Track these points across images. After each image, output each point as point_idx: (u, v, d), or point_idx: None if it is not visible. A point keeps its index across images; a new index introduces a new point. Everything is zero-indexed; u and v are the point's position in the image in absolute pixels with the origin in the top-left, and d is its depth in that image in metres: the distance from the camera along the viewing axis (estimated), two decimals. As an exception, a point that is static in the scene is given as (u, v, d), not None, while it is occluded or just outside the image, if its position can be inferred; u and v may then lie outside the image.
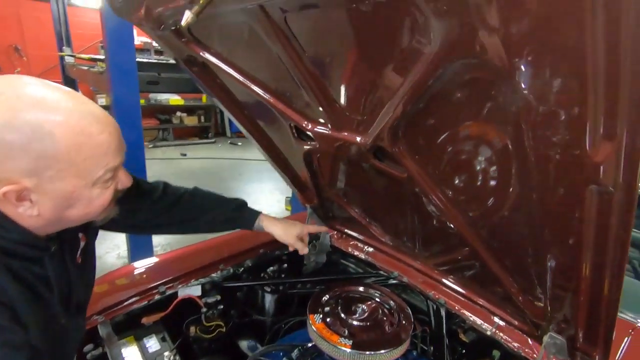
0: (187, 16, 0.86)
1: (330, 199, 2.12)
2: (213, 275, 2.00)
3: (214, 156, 9.38)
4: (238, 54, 1.39)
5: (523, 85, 0.71)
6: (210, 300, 1.89)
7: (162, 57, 6.12)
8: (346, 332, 1.52)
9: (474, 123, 0.94)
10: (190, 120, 10.98)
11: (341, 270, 2.44)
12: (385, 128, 1.06)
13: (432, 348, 1.80)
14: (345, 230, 2.42)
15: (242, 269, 2.10)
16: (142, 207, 1.33)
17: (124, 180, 0.92)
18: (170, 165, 8.45)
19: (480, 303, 1.65)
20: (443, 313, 1.78)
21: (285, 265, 2.24)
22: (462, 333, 1.82)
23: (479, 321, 1.65)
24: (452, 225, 1.29)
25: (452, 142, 1.03)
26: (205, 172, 8.07)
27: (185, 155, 9.35)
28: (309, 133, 1.42)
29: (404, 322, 1.57)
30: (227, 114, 1.82)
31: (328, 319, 1.54)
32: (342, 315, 1.59)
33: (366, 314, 1.61)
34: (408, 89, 0.90)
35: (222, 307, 1.93)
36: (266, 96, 1.41)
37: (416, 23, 0.77)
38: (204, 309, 1.86)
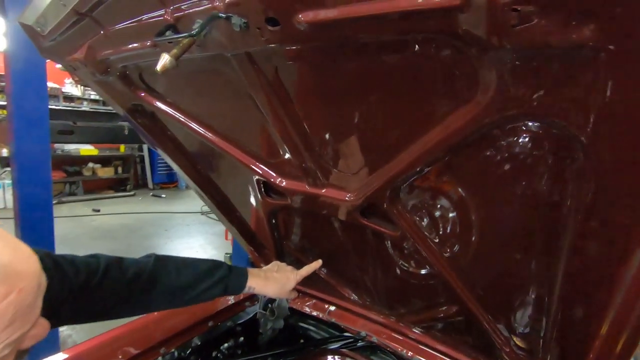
0: (165, 60, 0.72)
1: (290, 256, 1.95)
2: (154, 362, 1.63)
3: (133, 211, 8.45)
4: (198, 104, 1.24)
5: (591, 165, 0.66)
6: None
7: (73, 104, 5.53)
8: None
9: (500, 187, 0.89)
10: (105, 172, 9.93)
11: (301, 335, 2.22)
12: (385, 186, 0.98)
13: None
14: (304, 288, 2.23)
15: (190, 350, 1.76)
16: (78, 299, 1.01)
17: (39, 334, 0.63)
18: (80, 224, 7.35)
19: None
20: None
21: (242, 338, 1.95)
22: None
23: (461, 379, 1.57)
24: (440, 281, 1.23)
25: (463, 204, 0.97)
26: (124, 229, 7.17)
27: (98, 211, 8.27)
28: (280, 190, 1.28)
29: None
30: (176, 168, 1.60)
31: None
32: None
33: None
34: (431, 146, 0.82)
35: (168, 398, 1.56)
36: (230, 149, 1.26)
37: (457, 71, 0.71)
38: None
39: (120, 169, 10.23)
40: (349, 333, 1.99)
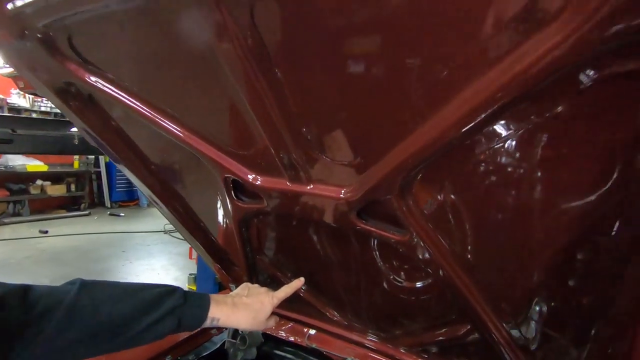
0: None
1: (265, 274, 1.68)
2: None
3: (87, 231, 7.74)
4: (147, 81, 0.98)
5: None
6: None
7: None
8: None
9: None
10: (56, 190, 9.11)
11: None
12: (397, 173, 0.75)
13: None
14: (279, 310, 1.95)
15: (140, 394, 1.43)
16: None
17: None
18: (24, 247, 6.58)
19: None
20: (420, 406, 1.43)
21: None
22: None
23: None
24: (449, 296, 1.02)
25: (490, 196, 0.78)
26: (75, 252, 6.49)
27: (46, 232, 7.49)
28: (254, 189, 1.03)
29: None
30: (123, 170, 1.31)
31: None
32: None
33: None
34: (462, 116, 0.60)
35: None
36: (190, 139, 1.00)
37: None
38: None
39: (73, 187, 9.42)
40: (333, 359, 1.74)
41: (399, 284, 1.31)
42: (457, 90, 0.60)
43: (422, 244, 0.88)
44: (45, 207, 9.05)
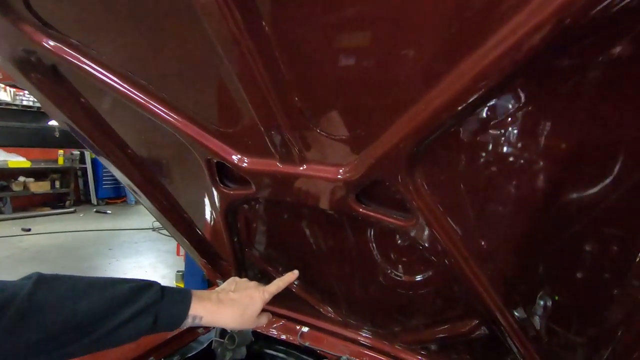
0: None
1: (255, 269, 1.57)
2: None
3: (71, 229, 7.51)
4: (119, 50, 0.86)
5: None
6: None
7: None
8: None
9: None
10: (40, 187, 8.83)
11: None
12: (399, 151, 0.65)
13: None
14: (271, 308, 1.85)
15: (119, 399, 1.32)
16: None
17: None
18: (5, 246, 6.35)
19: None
20: (421, 406, 1.35)
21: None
22: None
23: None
24: (456, 290, 0.93)
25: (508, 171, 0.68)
26: (58, 250, 6.28)
27: (28, 230, 7.25)
28: (241, 172, 0.93)
29: None
30: (102, 159, 1.19)
31: None
32: None
33: None
34: (474, 81, 0.52)
35: None
36: (170, 118, 0.89)
37: None
38: None
39: (57, 183, 9.14)
40: (327, 359, 1.65)
41: (399, 278, 1.22)
42: (465, 53, 0.51)
43: (429, 230, 0.78)
44: (28, 205, 8.78)
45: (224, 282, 1.69)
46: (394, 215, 0.83)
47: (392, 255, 1.11)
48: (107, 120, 1.11)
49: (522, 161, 0.66)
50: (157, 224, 8.22)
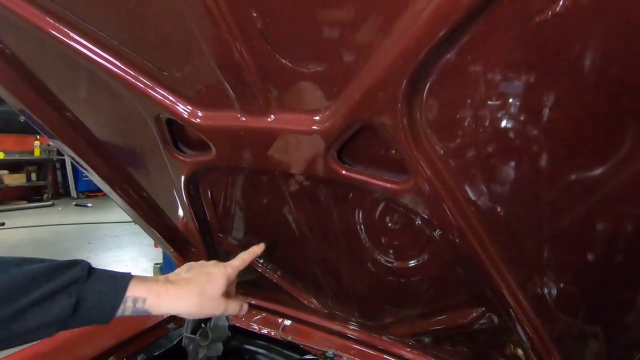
0: None
1: (227, 254, 1.40)
2: None
3: (50, 222, 7.19)
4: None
5: None
6: None
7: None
8: None
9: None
10: (15, 179, 8.46)
11: (247, 362, 1.66)
12: (390, 86, 0.47)
13: None
14: (249, 299, 1.69)
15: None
16: None
17: None
18: (-24, 241, 6.04)
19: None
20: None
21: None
22: None
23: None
24: (461, 271, 0.77)
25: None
26: (34, 244, 6.00)
27: (2, 224, 6.92)
28: (195, 129, 0.74)
29: None
30: (55, 141, 1.00)
31: None
32: None
33: None
34: None
35: None
36: (115, 66, 0.70)
37: None
38: None
39: (34, 176, 8.76)
40: (312, 354, 1.49)
41: (390, 264, 1.07)
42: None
43: (430, 191, 0.61)
44: (3, 198, 8.39)
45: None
46: (385, 177, 0.66)
47: (383, 235, 0.95)
48: (40, 76, 0.91)
49: (552, 102, 0.50)
50: (140, 217, 7.95)
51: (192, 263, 0.83)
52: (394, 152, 0.61)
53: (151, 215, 1.34)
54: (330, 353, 1.46)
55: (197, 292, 0.73)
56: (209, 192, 1.02)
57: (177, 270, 0.80)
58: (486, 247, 0.65)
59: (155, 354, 1.43)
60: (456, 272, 0.80)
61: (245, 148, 0.74)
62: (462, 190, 0.60)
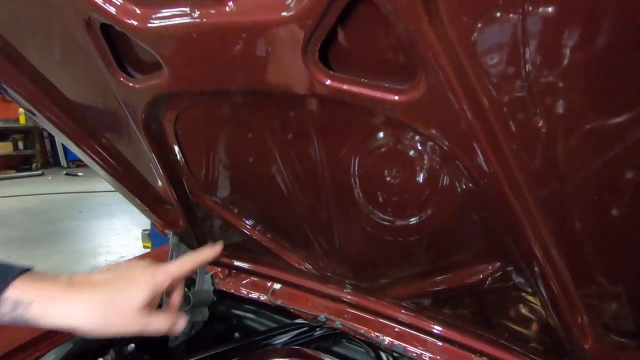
0: None
1: (206, 212, 1.26)
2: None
3: (40, 192, 7.03)
4: None
5: None
6: None
7: None
8: None
9: None
10: (2, 148, 8.23)
11: (234, 327, 1.57)
12: None
13: None
14: (235, 262, 1.57)
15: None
16: None
17: None
18: (-36, 210, 5.90)
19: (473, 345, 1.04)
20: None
21: (132, 345, 1.24)
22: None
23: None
24: (493, 215, 0.62)
25: None
26: (24, 213, 5.88)
27: (-9, 194, 6.77)
28: (136, 37, 0.57)
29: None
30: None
31: None
32: None
33: None
34: None
35: None
36: None
37: None
38: None
39: (21, 144, 8.52)
40: (303, 319, 1.39)
41: (387, 222, 0.93)
42: None
43: (446, 103, 0.44)
44: (-11, 168, 8.20)
45: (173, 233, 1.40)
46: (383, 85, 0.49)
47: (382, 182, 0.79)
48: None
49: None
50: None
51: (120, 262, 0.65)
52: (395, 49, 0.43)
53: (127, 179, 1.18)
54: (322, 317, 1.36)
55: (105, 302, 0.55)
56: (175, 134, 0.85)
57: (99, 271, 0.62)
58: (518, 185, 0.49)
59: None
60: (470, 222, 0.66)
61: (203, 60, 0.57)
62: (493, 102, 0.43)
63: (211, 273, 1.65)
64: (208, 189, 1.12)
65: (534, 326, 0.82)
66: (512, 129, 0.46)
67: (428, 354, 1.15)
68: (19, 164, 8.54)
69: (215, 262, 1.56)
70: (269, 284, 1.55)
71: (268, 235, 1.24)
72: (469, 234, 0.71)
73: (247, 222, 1.24)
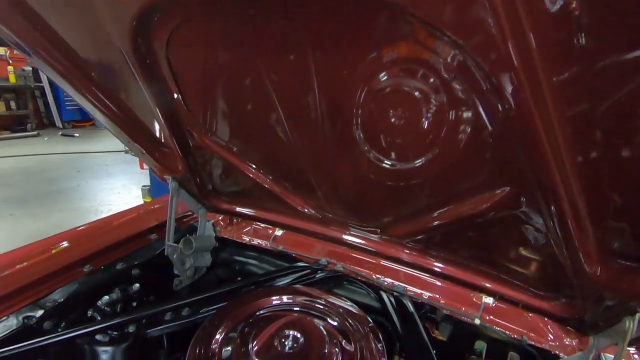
0: None
1: (206, 155, 1.24)
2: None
3: (36, 152, 6.96)
4: None
5: None
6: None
7: None
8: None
9: None
10: (-7, 108, 8.04)
11: (237, 273, 1.60)
12: None
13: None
14: (237, 209, 1.57)
15: (43, 313, 1.06)
16: None
17: None
18: (-40, 171, 5.86)
19: (472, 281, 1.06)
20: (412, 309, 1.14)
21: (137, 285, 1.26)
22: (436, 329, 1.24)
23: (462, 308, 1.07)
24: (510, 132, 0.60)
25: None
26: (21, 173, 5.85)
27: (-13, 154, 6.70)
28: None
29: (363, 341, 0.87)
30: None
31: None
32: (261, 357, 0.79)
33: (303, 346, 0.85)
34: None
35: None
36: None
37: None
38: None
39: (13, 104, 8.32)
40: (304, 262, 1.42)
41: (391, 166, 0.90)
42: None
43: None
44: (-18, 128, 8.06)
45: (172, 178, 1.38)
46: None
47: (388, 109, 0.76)
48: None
49: None
50: (130, 147, 7.71)
51: None
52: None
53: (118, 115, 1.13)
54: (323, 261, 1.38)
55: None
56: (167, 62, 0.81)
57: None
58: (547, 109, 0.46)
59: (136, 262, 1.34)
60: (482, 151, 0.64)
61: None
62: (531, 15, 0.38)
63: (212, 221, 1.66)
64: (206, 127, 1.08)
65: (537, 257, 0.83)
66: (548, 50, 0.43)
67: (427, 293, 1.18)
68: (13, 125, 8.39)
69: (216, 210, 1.55)
70: (270, 231, 1.56)
71: (270, 178, 1.22)
72: (479, 163, 0.69)
73: (248, 163, 1.21)
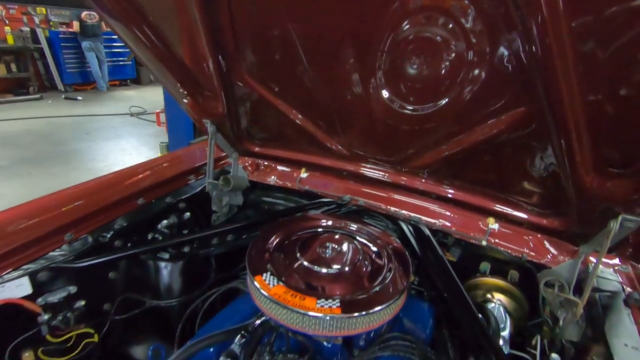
0: None
1: (247, 99, 1.36)
2: (51, 253, 1.11)
3: (42, 115, 7.00)
4: None
5: None
6: (54, 297, 1.04)
7: None
8: (324, 289, 0.92)
9: None
10: (-6, 71, 7.95)
11: (266, 213, 1.77)
12: None
13: (416, 280, 1.34)
14: (268, 151, 1.70)
15: (111, 233, 1.23)
16: None
17: None
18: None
19: (481, 204, 1.22)
20: (427, 233, 1.32)
21: (188, 214, 1.44)
22: (447, 251, 1.42)
23: (471, 233, 1.25)
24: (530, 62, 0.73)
25: None
26: (31, 135, 5.93)
27: (-6, 116, 6.74)
28: None
29: (394, 258, 1.05)
30: None
31: (288, 276, 0.91)
32: (309, 265, 0.96)
33: (343, 258, 1.03)
34: None
35: (83, 303, 1.10)
36: None
37: None
38: (45, 316, 1.01)
39: (13, 67, 8.21)
40: (329, 200, 1.58)
41: (413, 111, 1.03)
42: None
43: None
44: (-17, 91, 8.00)
45: (211, 122, 1.51)
46: None
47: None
48: None
49: None
50: (135, 109, 7.74)
51: None
52: None
53: (164, 53, 1.23)
54: (347, 197, 1.54)
55: None
56: (226, 13, 0.91)
57: None
58: (563, 42, 0.60)
59: (181, 197, 1.50)
60: (496, 70, 0.77)
61: None
62: None
63: (241, 166, 1.80)
64: (251, 68, 1.20)
65: (540, 176, 0.99)
66: None
67: (441, 221, 1.35)
68: (15, 88, 8.33)
69: (248, 153, 1.70)
70: (296, 174, 1.71)
71: (305, 117, 1.35)
72: (503, 84, 0.83)
73: (287, 103, 1.33)
